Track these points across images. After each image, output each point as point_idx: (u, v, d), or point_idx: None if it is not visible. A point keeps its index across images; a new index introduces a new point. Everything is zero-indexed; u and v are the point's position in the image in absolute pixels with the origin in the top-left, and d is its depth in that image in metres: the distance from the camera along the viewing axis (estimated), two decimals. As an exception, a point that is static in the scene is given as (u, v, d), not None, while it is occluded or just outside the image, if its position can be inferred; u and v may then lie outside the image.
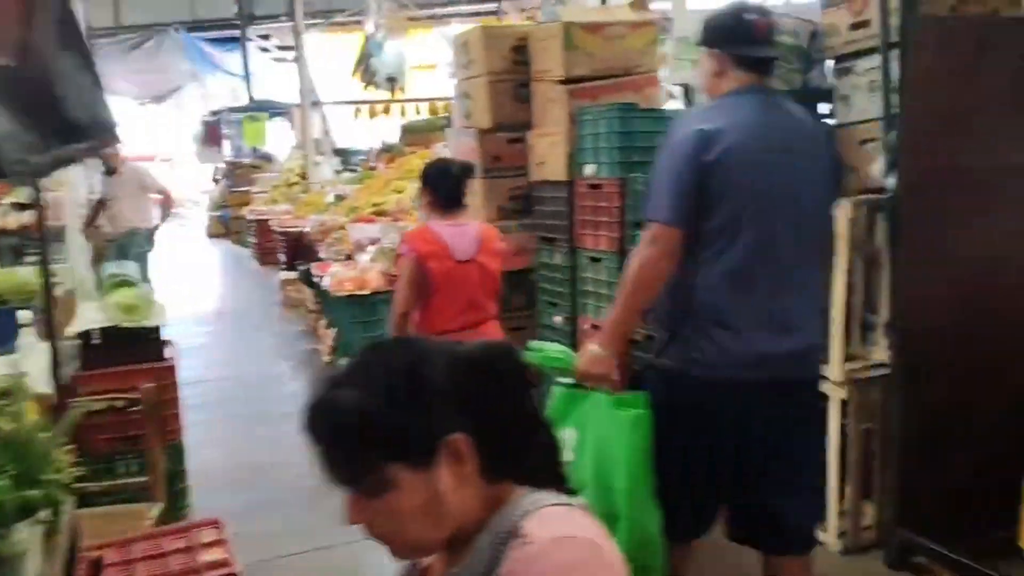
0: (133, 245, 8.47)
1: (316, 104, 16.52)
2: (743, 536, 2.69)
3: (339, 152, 18.00)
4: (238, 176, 18.61)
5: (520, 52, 5.06)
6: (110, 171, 8.52)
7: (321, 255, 8.51)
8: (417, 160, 11.32)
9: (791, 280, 2.51)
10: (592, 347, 2.57)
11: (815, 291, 2.63)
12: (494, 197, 5.21)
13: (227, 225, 17.82)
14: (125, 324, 4.02)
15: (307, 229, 9.75)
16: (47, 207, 6.72)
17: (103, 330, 4.04)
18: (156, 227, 8.60)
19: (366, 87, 15.07)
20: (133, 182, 8.51)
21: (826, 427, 3.06)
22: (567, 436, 2.52)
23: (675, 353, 2.54)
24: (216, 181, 20.45)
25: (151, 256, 8.88)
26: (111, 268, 4.32)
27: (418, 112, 15.61)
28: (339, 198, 11.96)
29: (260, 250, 13.53)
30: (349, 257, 7.88)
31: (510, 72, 5.08)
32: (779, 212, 2.46)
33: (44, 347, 4.03)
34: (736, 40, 2.53)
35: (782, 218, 2.47)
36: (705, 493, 2.59)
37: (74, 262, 6.44)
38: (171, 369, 4.11)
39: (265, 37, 21.24)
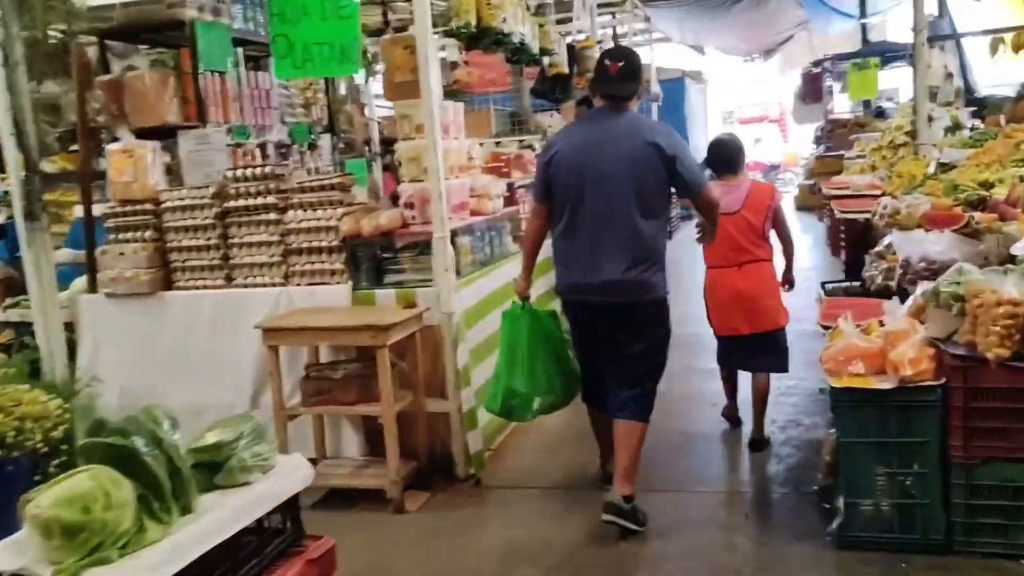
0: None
1: (939, 39, 12.22)
2: (605, 406, 3.92)
3: (974, 102, 13.29)
4: (836, 137, 15.11)
5: None
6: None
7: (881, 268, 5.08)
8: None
9: (600, 238, 3.66)
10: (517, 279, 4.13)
11: (624, 247, 3.64)
12: None
13: (817, 196, 14.51)
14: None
15: (873, 217, 6.25)
16: (410, 206, 4.70)
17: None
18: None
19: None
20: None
21: (645, 339, 3.78)
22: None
23: (556, 281, 3.96)
24: (818, 142, 17.19)
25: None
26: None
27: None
28: (944, 168, 8.03)
29: (832, 235, 10.13)
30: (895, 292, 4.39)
31: None
32: (591, 192, 3.65)
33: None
34: (598, 79, 3.82)
35: (593, 196, 3.65)
36: (589, 367, 3.99)
37: (442, 287, 4.25)
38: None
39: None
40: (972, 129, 10.72)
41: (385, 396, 3.93)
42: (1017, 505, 3.09)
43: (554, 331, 3.99)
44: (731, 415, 4.86)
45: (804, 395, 5.28)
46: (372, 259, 4.45)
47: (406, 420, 4.23)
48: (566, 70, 6.48)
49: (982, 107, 12.77)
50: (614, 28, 14.37)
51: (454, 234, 4.48)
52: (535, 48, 5.68)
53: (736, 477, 4.32)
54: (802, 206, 15.44)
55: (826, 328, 3.91)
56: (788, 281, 4.73)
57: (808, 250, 10.85)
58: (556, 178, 3.72)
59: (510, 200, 5.46)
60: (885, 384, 3.21)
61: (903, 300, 4.17)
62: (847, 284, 5.18)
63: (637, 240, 3.64)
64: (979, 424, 3.10)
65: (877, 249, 5.09)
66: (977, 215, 4.82)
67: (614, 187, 3.61)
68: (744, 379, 4.79)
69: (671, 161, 3.61)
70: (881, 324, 3.58)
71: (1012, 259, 3.73)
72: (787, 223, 4.63)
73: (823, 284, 5.27)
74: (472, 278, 4.65)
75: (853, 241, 7.34)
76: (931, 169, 8.33)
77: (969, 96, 13.56)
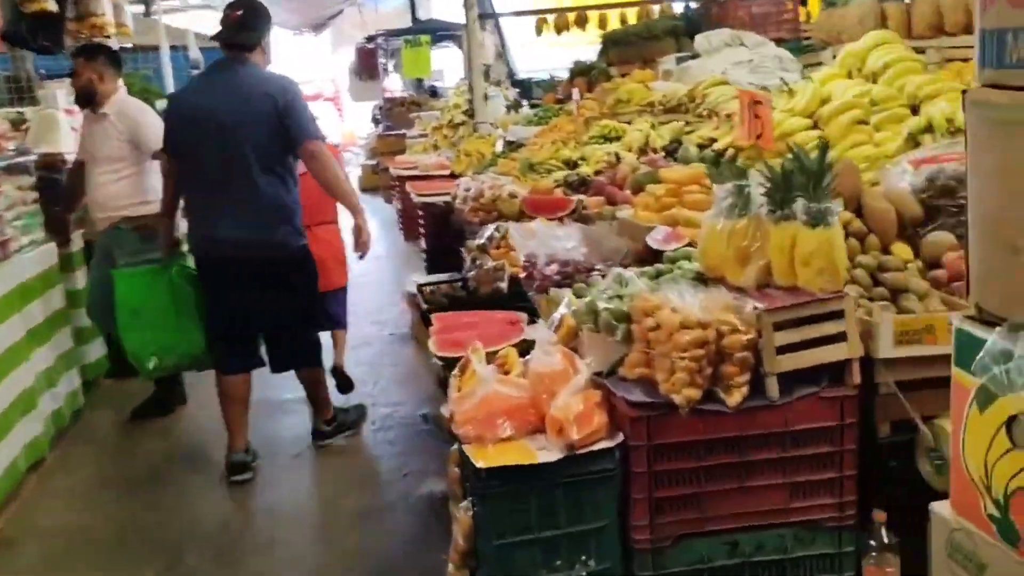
0: (122, 246, 4.38)
1: (486, 17, 12.11)
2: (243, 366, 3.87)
3: (518, 84, 13.56)
4: (395, 115, 14.58)
5: None
6: (85, 101, 4.46)
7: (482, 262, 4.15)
8: (635, 87, 6.65)
9: (224, 193, 3.59)
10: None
11: (248, 201, 3.60)
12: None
13: (382, 176, 13.79)
14: None
15: (454, 200, 5.41)
16: None
17: None
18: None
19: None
20: (120, 132, 4.38)
21: (290, 291, 3.76)
22: None
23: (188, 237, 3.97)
24: (376, 122, 16.57)
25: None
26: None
27: (624, 23, 10.77)
28: (511, 146, 7.58)
29: (405, 219, 9.35)
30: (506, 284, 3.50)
31: None
32: (208, 146, 3.59)
33: None
34: (219, 29, 3.74)
35: (210, 150, 3.58)
36: (229, 326, 3.78)
37: None
38: None
39: (436, -55, 16.91)
40: (517, 108, 10.73)
41: None
42: (715, 591, 2.29)
43: (186, 288, 3.91)
44: None
45: (403, 426, 4.25)
46: None
47: None
48: (53, 7, 4.61)
49: (525, 88, 13.06)
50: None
51: None
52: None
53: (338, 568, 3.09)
54: (367, 187, 14.65)
55: (445, 362, 2.85)
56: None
57: (379, 236, 9.95)
58: (175, 131, 3.69)
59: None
60: (548, 454, 2.20)
61: (529, 311, 3.28)
62: (447, 284, 4.20)
63: (261, 194, 3.61)
64: (667, 493, 2.23)
65: (478, 242, 4.19)
66: (584, 199, 4.16)
67: (232, 140, 3.56)
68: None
69: (283, 111, 3.58)
70: (522, 352, 2.60)
71: (656, 255, 3.00)
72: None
73: (420, 287, 4.24)
74: None
75: (434, 227, 6.52)
76: (499, 147, 7.90)
77: (511, 78, 13.85)
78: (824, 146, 2.18)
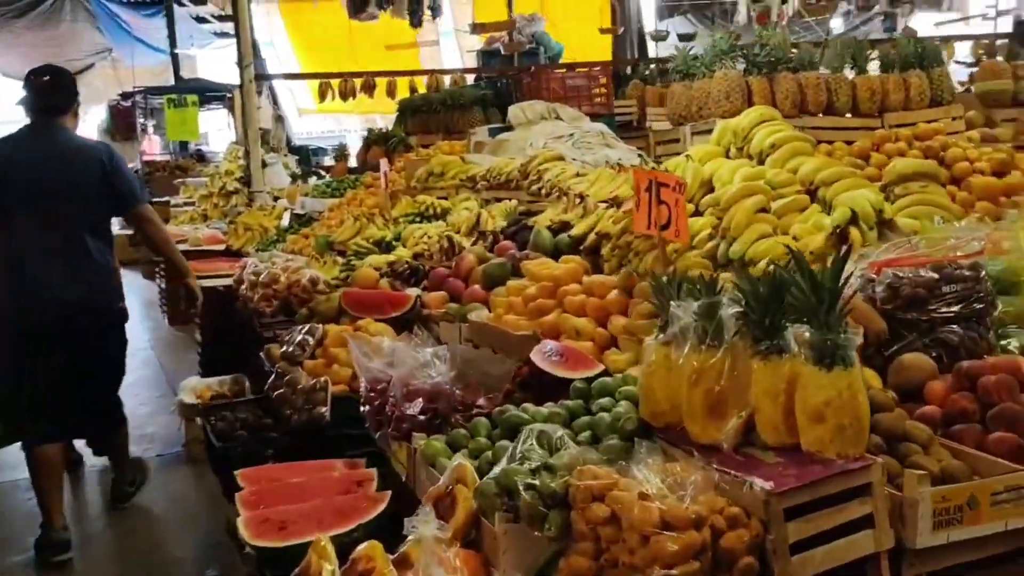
0: None
1: (263, 78, 11.09)
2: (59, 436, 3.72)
3: (296, 151, 12.57)
4: (157, 181, 13.02)
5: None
6: None
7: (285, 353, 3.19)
8: (449, 159, 5.93)
9: (48, 256, 3.51)
10: None
11: (81, 262, 3.57)
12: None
13: (142, 250, 12.09)
14: None
15: (238, 285, 4.41)
16: None
17: None
18: None
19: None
20: None
21: (116, 348, 3.83)
22: None
23: None
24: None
25: None
26: None
27: (413, 91, 10.13)
28: (300, 220, 6.67)
29: (170, 299, 7.96)
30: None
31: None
32: (29, 210, 3.52)
33: None
34: (26, 95, 3.71)
35: (32, 213, 3.51)
36: (42, 399, 3.57)
37: None
38: None
39: (201, 2, 15.66)
40: (300, 177, 9.80)
41: None
42: None
43: None
44: None
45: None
46: None
47: None
48: None
49: (303, 155, 12.18)
50: None
51: None
52: None
53: None
54: (122, 259, 12.81)
55: (265, 558, 1.89)
56: None
57: (138, 320, 8.48)
58: None
59: None
60: None
61: (365, 442, 2.40)
62: (244, 405, 3.18)
63: (91, 256, 3.60)
64: None
65: (285, 348, 3.24)
66: (421, 294, 3.34)
67: (60, 204, 3.55)
68: None
69: (110, 175, 3.63)
70: (384, 536, 1.72)
71: (542, 377, 2.23)
72: None
73: (205, 410, 3.19)
74: None
75: (212, 315, 5.39)
76: (285, 221, 6.95)
77: (288, 144, 12.92)
78: (845, 253, 1.54)
